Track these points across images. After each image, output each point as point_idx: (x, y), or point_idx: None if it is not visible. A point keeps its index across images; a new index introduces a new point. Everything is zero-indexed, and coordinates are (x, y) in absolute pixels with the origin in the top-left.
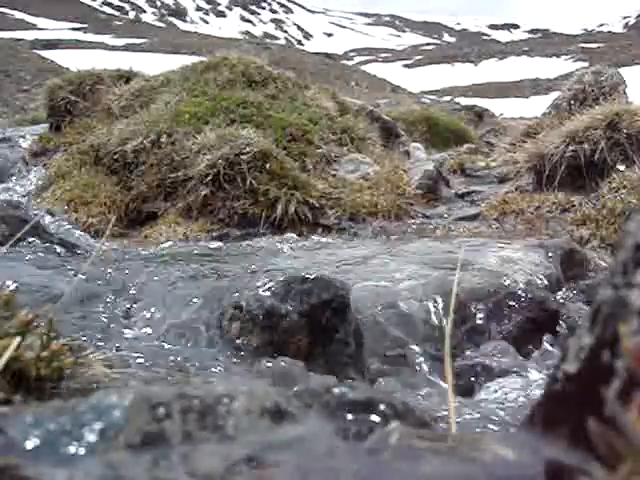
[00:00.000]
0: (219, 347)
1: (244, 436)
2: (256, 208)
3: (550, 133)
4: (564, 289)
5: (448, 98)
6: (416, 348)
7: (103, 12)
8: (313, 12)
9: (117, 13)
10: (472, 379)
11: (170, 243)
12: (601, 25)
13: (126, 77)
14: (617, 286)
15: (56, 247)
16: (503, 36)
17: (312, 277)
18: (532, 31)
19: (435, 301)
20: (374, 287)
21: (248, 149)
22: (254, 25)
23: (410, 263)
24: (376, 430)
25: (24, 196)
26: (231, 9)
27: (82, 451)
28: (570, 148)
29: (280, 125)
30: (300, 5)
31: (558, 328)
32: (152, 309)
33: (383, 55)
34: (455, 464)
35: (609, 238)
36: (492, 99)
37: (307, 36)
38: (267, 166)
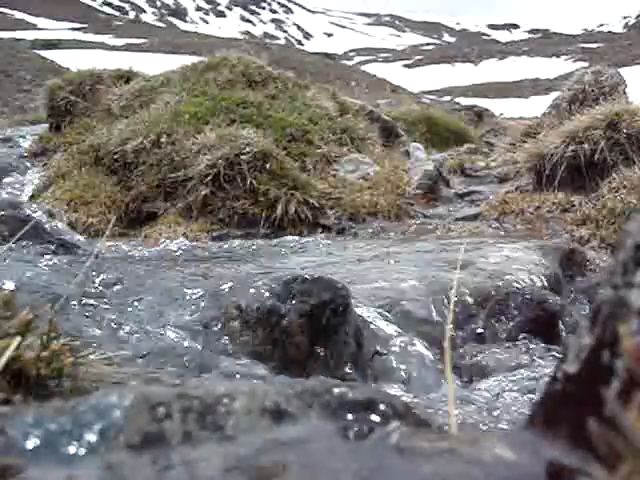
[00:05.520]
0: (219, 347)
1: (244, 436)
2: (256, 208)
3: (550, 133)
4: (564, 289)
5: (448, 98)
6: (416, 348)
7: (103, 12)
8: (313, 12)
9: (117, 13)
10: (472, 379)
11: (170, 243)
12: (601, 25)
13: (126, 77)
14: (617, 286)
15: (56, 247)
16: (503, 36)
17: (312, 277)
18: (532, 31)
19: (435, 301)
20: (374, 287)
21: (248, 149)
22: (254, 25)
23: (410, 263)
24: (376, 430)
25: (24, 196)
26: (231, 9)
27: (82, 451)
28: (570, 148)
29: (280, 125)
30: (300, 5)
31: (558, 328)
32: (152, 309)
33: (383, 55)
34: (455, 464)
35: (609, 238)
36: (492, 99)
37: (307, 36)
38: (267, 166)
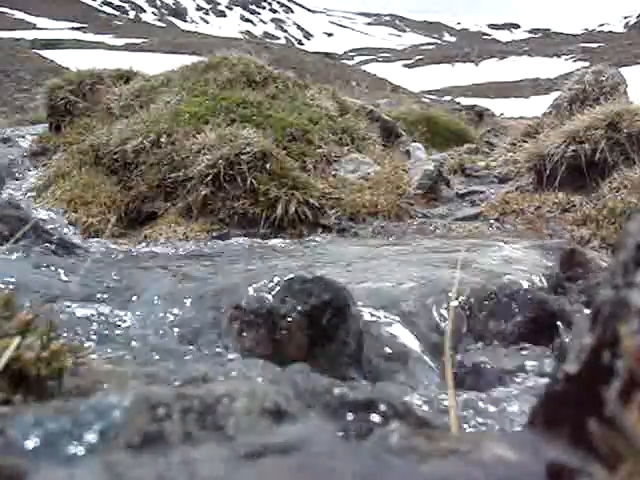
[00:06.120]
0: (219, 347)
1: (244, 436)
2: (256, 208)
3: (550, 133)
4: (564, 289)
5: (448, 98)
6: (416, 348)
7: (103, 12)
8: (313, 12)
9: (117, 13)
10: (472, 379)
11: (170, 243)
12: (601, 25)
13: (126, 77)
14: (618, 286)
15: (56, 247)
16: (503, 36)
17: (312, 277)
18: (532, 31)
19: (435, 301)
20: (374, 287)
21: (248, 149)
22: (254, 25)
23: (410, 263)
24: (376, 430)
25: (24, 196)
26: (231, 9)
27: (82, 451)
28: (571, 148)
29: (280, 125)
30: (300, 5)
31: (558, 328)
32: (152, 309)
33: (383, 55)
34: (455, 464)
35: (609, 238)
36: (492, 99)
37: (307, 36)
38: (267, 166)
